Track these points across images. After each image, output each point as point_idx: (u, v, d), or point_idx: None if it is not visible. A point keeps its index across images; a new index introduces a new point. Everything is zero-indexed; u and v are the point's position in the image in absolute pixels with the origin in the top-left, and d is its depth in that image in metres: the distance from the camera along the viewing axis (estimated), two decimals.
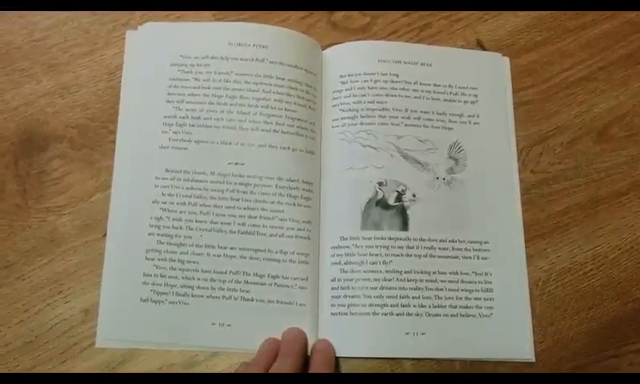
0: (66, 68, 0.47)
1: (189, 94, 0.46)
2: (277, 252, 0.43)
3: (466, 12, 0.51)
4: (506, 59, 0.49)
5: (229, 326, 0.42)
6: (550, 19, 0.51)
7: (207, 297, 0.42)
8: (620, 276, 0.45)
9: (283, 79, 0.46)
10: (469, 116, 0.48)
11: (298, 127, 0.45)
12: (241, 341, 0.41)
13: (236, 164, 0.44)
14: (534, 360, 0.42)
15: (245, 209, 0.43)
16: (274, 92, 0.46)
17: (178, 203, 0.43)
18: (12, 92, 0.46)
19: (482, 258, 0.44)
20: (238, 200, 0.44)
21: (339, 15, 0.50)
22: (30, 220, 0.43)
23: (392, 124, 0.46)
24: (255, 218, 0.43)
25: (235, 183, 0.44)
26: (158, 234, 0.43)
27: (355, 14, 0.50)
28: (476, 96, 0.48)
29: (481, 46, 0.50)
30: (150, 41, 0.47)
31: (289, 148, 0.45)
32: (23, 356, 0.41)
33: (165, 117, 0.45)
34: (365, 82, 0.47)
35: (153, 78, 0.46)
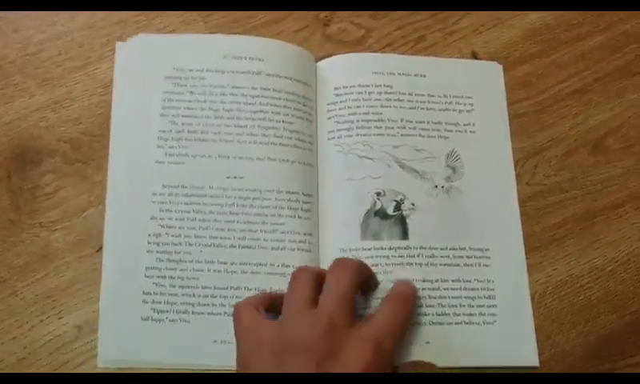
0: (59, 82, 0.47)
1: (184, 108, 0.45)
2: (278, 265, 0.43)
3: (460, 24, 0.51)
4: (500, 66, 0.50)
5: (230, 343, 0.40)
6: (545, 31, 0.51)
7: (208, 314, 0.41)
8: (617, 289, 0.44)
9: (280, 91, 0.46)
10: (464, 125, 0.48)
11: (296, 139, 0.45)
12: None
13: (235, 178, 0.44)
14: (538, 365, 0.42)
15: (245, 223, 0.43)
16: (271, 104, 0.46)
17: (176, 219, 0.43)
18: (5, 106, 0.46)
19: (484, 265, 0.44)
20: (237, 214, 0.43)
21: (334, 28, 0.50)
22: (22, 235, 0.43)
23: (388, 134, 0.46)
24: (256, 231, 0.43)
25: (234, 197, 0.44)
26: (157, 251, 0.42)
27: (350, 26, 0.50)
28: (472, 105, 0.48)
29: (475, 58, 0.50)
30: (142, 53, 0.47)
31: (287, 160, 0.45)
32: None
33: (160, 131, 0.45)
34: (359, 93, 0.47)
35: (146, 91, 0.46)
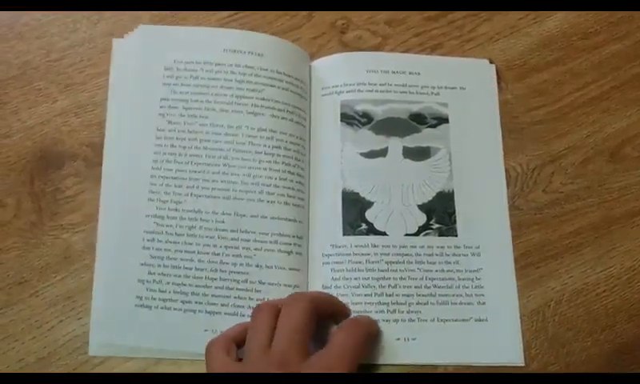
0: (81, 87, 0.48)
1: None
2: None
3: (477, 32, 0.51)
4: (492, 65, 0.50)
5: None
6: (561, 39, 0.51)
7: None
8: (633, 297, 0.44)
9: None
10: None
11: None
12: None
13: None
14: (524, 365, 0.42)
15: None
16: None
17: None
18: (28, 111, 0.47)
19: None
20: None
21: (350, 35, 0.51)
22: (44, 237, 0.44)
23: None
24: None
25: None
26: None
27: (366, 34, 0.51)
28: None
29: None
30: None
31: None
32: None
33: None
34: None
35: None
